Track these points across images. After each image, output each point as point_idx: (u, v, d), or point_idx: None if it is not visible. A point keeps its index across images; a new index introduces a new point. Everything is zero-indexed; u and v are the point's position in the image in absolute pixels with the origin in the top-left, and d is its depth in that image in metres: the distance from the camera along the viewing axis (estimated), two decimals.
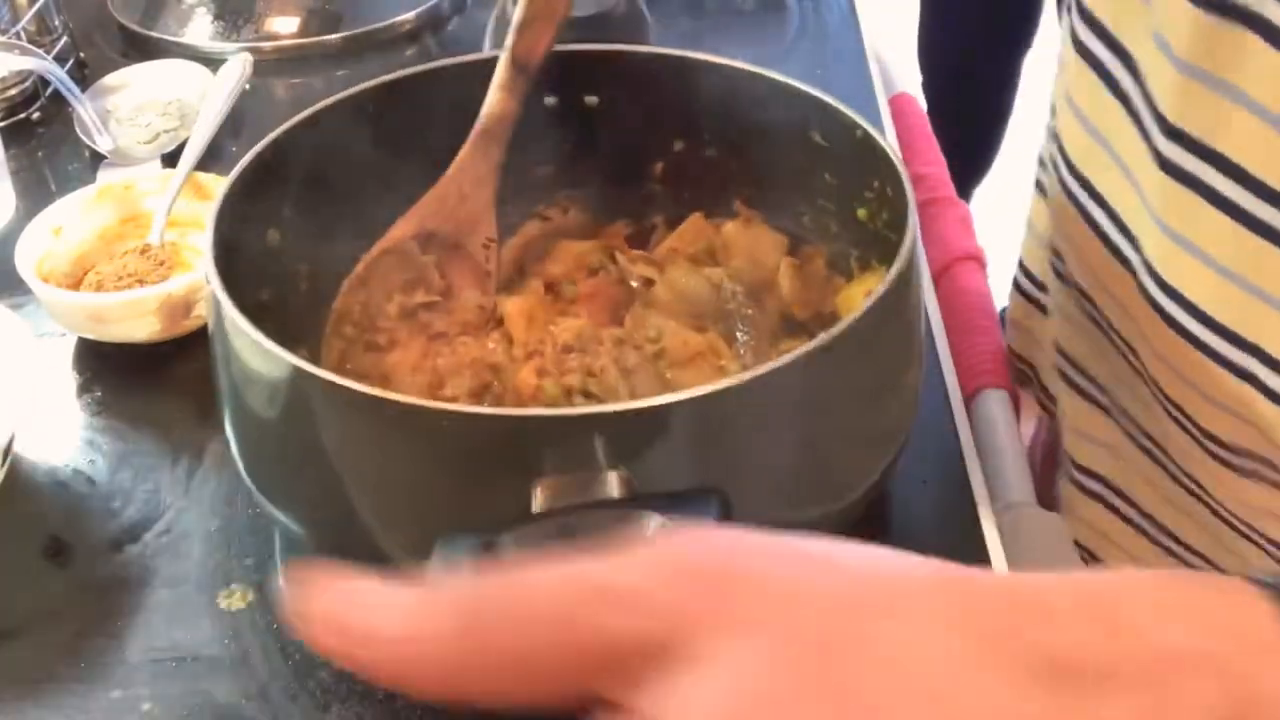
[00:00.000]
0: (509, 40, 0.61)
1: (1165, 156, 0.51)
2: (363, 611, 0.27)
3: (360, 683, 0.52)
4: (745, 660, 0.25)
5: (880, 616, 0.26)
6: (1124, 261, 0.57)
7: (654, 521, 0.39)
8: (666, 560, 0.27)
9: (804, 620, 0.26)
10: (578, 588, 0.26)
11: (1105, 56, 0.56)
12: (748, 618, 0.26)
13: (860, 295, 0.61)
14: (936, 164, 0.86)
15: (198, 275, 0.68)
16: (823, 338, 0.46)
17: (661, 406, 0.44)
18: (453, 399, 0.57)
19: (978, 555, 0.57)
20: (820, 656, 0.25)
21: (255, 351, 0.47)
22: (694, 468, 0.46)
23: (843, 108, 0.59)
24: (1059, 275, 0.65)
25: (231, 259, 0.52)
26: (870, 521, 0.57)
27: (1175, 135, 0.50)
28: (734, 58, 0.62)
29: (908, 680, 0.25)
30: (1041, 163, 0.67)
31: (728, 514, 0.40)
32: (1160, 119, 0.51)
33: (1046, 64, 2.04)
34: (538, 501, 0.42)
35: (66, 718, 0.51)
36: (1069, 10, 0.58)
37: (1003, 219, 2.00)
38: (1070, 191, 0.61)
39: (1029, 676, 0.26)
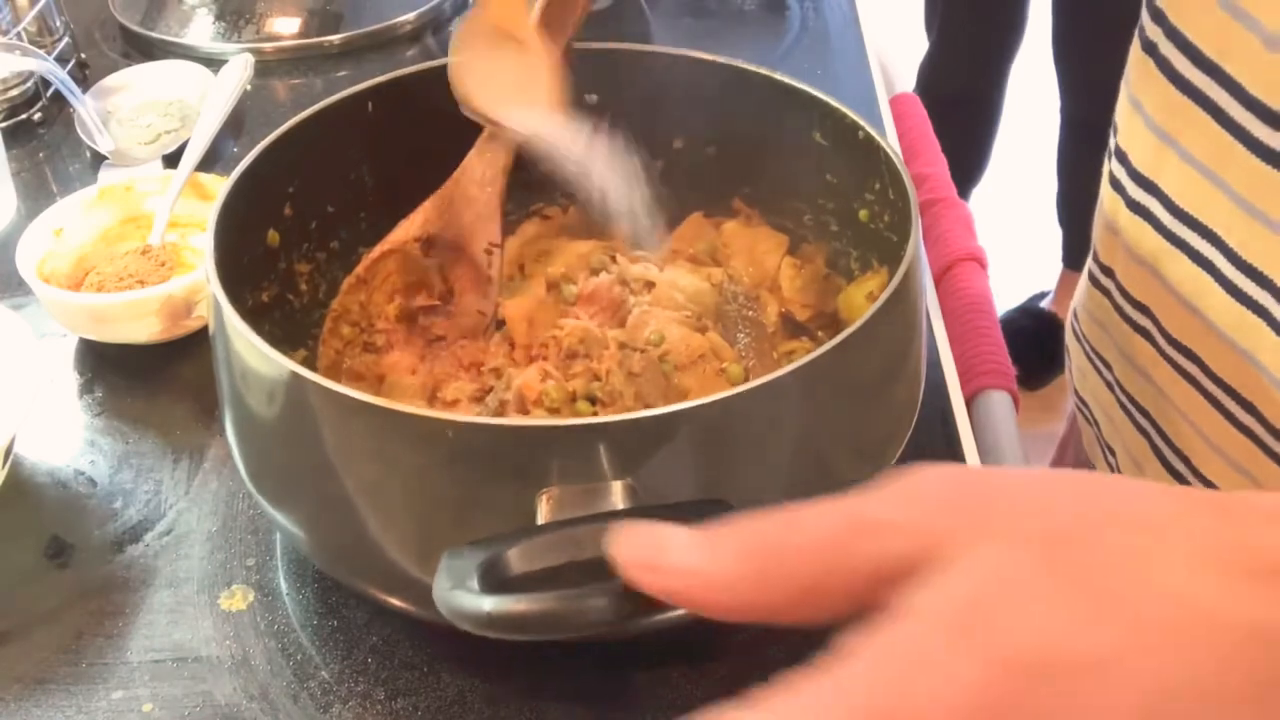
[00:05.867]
0: None
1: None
2: (667, 553, 0.32)
3: (361, 683, 0.52)
4: (988, 557, 0.29)
5: (1117, 526, 0.30)
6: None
7: None
8: (918, 492, 0.31)
9: (1045, 526, 0.30)
10: (846, 522, 0.31)
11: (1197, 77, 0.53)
12: (992, 527, 0.30)
13: (860, 295, 0.61)
14: (937, 165, 0.86)
15: (198, 276, 0.69)
16: (826, 345, 0.46)
17: (667, 416, 0.44)
18: (454, 402, 0.57)
19: None
20: (1061, 551, 0.29)
21: (255, 354, 0.47)
22: (698, 475, 0.46)
23: (844, 109, 0.59)
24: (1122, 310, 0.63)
25: (233, 259, 0.52)
26: None
27: None
28: (735, 57, 0.62)
29: (1141, 575, 0.29)
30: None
31: None
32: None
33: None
34: (542, 513, 0.42)
35: (67, 718, 0.51)
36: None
37: (1001, 220, 2.02)
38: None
39: (1250, 578, 0.29)
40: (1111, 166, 0.61)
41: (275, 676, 0.52)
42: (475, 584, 0.37)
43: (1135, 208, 0.58)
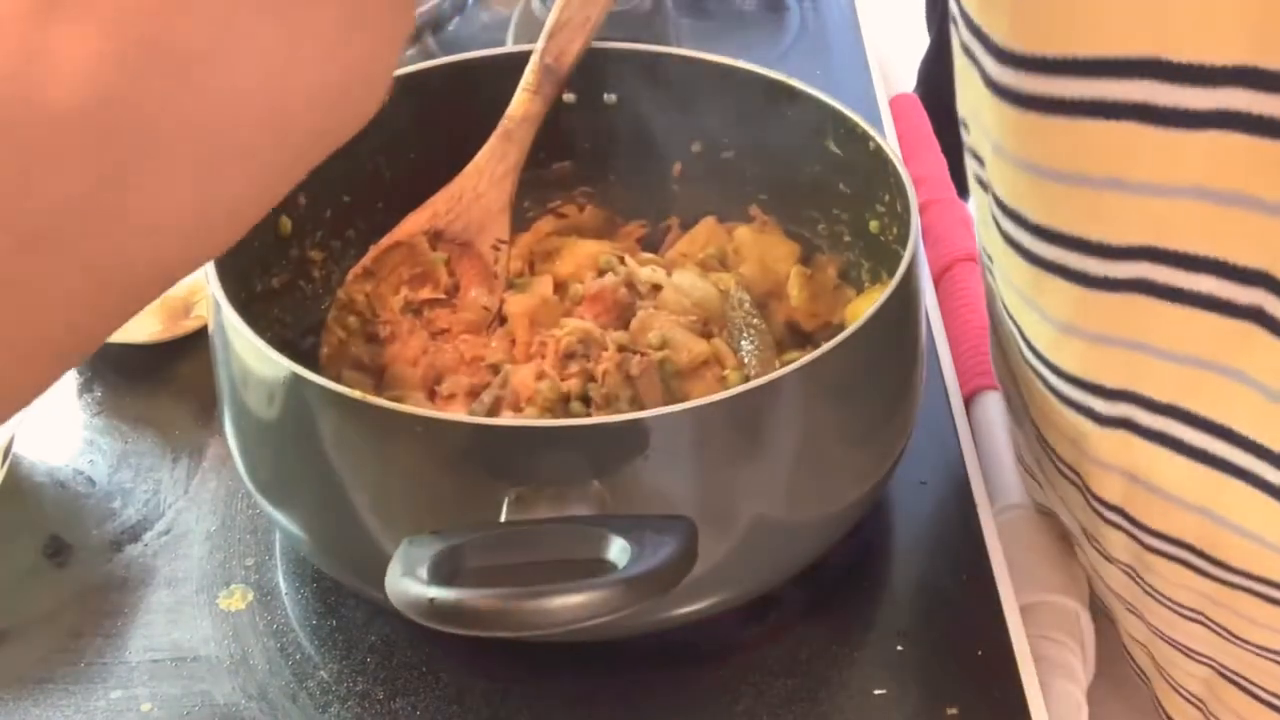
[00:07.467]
0: (540, 44, 0.61)
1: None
2: None
3: (360, 683, 0.52)
4: None
5: None
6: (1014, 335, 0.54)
7: (617, 544, 0.39)
8: None
9: None
10: None
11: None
12: None
13: (867, 307, 0.61)
14: (937, 165, 0.87)
15: (197, 275, 0.68)
16: (816, 353, 0.46)
17: (634, 422, 0.44)
18: (451, 396, 0.57)
19: (977, 556, 0.57)
20: None
21: (254, 353, 0.47)
22: (681, 478, 0.46)
23: (857, 118, 0.59)
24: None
25: (238, 250, 0.52)
26: (870, 522, 0.58)
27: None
28: (735, 58, 0.62)
29: None
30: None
31: (692, 542, 0.40)
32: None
33: None
34: (505, 511, 0.42)
35: (66, 718, 0.51)
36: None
37: None
38: None
39: None
40: None
41: (274, 676, 0.52)
42: (424, 573, 0.38)
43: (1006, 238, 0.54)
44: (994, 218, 0.49)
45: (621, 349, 0.57)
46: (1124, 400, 0.48)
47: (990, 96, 0.44)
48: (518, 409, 0.55)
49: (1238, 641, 0.52)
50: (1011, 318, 0.52)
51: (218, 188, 0.31)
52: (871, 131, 0.58)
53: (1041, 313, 0.49)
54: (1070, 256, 0.45)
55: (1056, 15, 0.40)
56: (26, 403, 0.31)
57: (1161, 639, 0.57)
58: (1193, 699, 0.58)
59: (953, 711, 0.50)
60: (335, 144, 0.33)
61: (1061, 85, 0.41)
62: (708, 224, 0.67)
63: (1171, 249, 0.42)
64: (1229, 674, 0.55)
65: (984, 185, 0.50)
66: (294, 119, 0.31)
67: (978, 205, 0.54)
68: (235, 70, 0.29)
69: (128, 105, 0.28)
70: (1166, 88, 0.39)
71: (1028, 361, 0.52)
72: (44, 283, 0.29)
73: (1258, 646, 0.51)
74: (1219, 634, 0.52)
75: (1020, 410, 0.57)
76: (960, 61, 0.48)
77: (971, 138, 0.51)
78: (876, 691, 0.51)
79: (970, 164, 0.53)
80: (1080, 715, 0.57)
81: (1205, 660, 0.55)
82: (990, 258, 0.54)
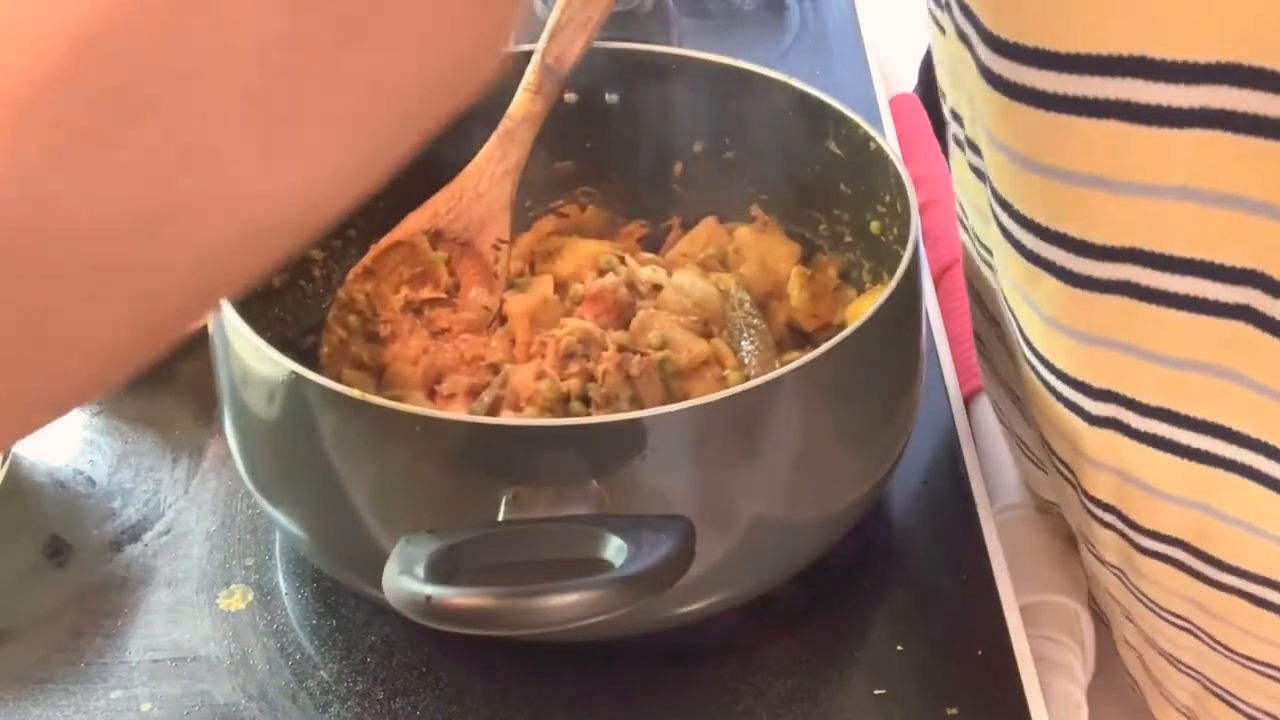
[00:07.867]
0: (541, 43, 0.61)
1: None
2: None
3: (360, 683, 0.52)
4: None
5: None
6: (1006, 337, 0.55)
7: (613, 543, 0.39)
8: None
9: None
10: None
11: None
12: None
13: (867, 309, 0.61)
14: (937, 165, 0.86)
15: None
16: (816, 353, 0.46)
17: (639, 421, 0.44)
18: (451, 396, 0.57)
19: (977, 555, 0.57)
20: None
21: (254, 353, 0.47)
22: (680, 478, 0.46)
23: (857, 119, 0.59)
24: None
25: None
26: (870, 522, 0.57)
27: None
28: (735, 58, 0.63)
29: None
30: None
31: (690, 541, 0.40)
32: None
33: None
34: (503, 510, 0.42)
35: (66, 718, 0.51)
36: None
37: None
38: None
39: None
40: None
41: (274, 676, 0.52)
42: (421, 572, 0.38)
43: (1002, 229, 0.53)
44: (992, 209, 0.49)
45: (621, 349, 0.57)
46: (1111, 401, 0.48)
47: (982, 83, 0.44)
48: (518, 409, 0.55)
49: (1225, 652, 0.52)
50: (1011, 310, 0.52)
51: (343, 152, 0.32)
52: (871, 131, 0.58)
53: (1034, 306, 0.49)
54: (1056, 252, 0.45)
55: (1033, 5, 0.40)
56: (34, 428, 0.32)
57: (1153, 648, 0.57)
58: (1182, 709, 0.58)
59: (953, 711, 0.50)
60: (450, 113, 0.35)
61: (1044, 79, 0.41)
62: (708, 224, 0.67)
63: (1157, 251, 0.42)
64: (1215, 689, 0.55)
65: (981, 176, 0.50)
66: (426, 89, 0.33)
67: (972, 200, 0.54)
68: (384, 36, 0.30)
69: (290, 61, 0.29)
70: (1150, 85, 0.38)
71: (1025, 356, 0.52)
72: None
73: (1245, 657, 0.51)
74: (1207, 644, 0.52)
75: (1026, 407, 0.57)
76: (955, 48, 0.48)
77: (968, 129, 0.51)
78: (876, 691, 0.51)
79: (965, 156, 0.53)
80: (1080, 715, 0.57)
81: (1192, 673, 0.55)
82: (989, 251, 0.54)
